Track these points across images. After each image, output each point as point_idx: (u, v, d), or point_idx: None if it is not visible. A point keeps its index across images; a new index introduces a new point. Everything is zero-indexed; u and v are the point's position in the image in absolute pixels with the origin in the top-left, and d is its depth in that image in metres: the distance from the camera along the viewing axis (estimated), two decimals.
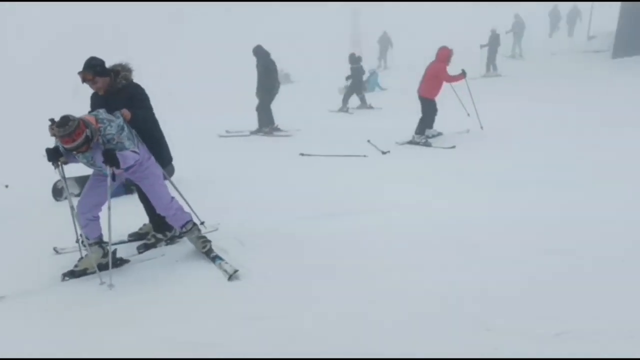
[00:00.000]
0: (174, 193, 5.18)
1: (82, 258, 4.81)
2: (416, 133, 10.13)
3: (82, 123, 4.09)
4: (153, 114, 5.26)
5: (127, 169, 4.58)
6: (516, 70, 18.43)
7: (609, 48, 18.53)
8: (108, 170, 4.34)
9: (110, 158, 4.22)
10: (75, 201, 4.83)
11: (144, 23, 38.52)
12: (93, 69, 4.79)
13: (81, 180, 6.83)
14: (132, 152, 4.39)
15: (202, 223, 5.47)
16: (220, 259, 4.73)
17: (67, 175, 4.81)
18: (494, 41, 19.24)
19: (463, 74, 10.03)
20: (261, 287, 4.29)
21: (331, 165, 8.60)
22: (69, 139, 4.03)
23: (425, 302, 3.82)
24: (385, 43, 24.96)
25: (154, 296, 4.29)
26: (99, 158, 4.32)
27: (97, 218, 4.70)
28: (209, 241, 4.97)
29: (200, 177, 8.02)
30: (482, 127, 10.16)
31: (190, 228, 4.94)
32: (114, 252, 4.84)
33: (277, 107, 12.21)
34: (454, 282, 4.11)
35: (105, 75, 4.87)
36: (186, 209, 5.19)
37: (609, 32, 19.70)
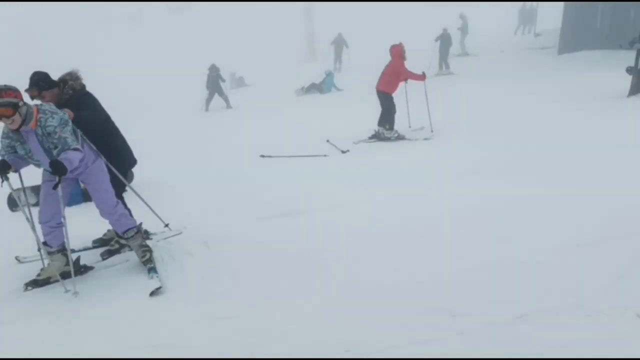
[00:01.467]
0: (134, 198, 5.15)
1: (44, 267, 4.72)
2: (380, 126, 10.29)
3: (20, 93, 4.09)
4: (107, 120, 5.19)
5: (72, 171, 4.42)
6: (467, 68, 18.87)
7: (554, 45, 19.23)
8: (56, 179, 4.21)
9: (57, 168, 4.09)
10: (34, 210, 4.74)
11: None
12: (36, 85, 4.74)
13: (37, 189, 6.66)
14: (75, 149, 4.22)
15: (166, 225, 5.45)
16: (155, 272, 4.64)
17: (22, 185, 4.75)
18: (445, 40, 19.68)
19: (423, 75, 10.29)
20: (229, 287, 4.32)
21: (292, 166, 8.65)
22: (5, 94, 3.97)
23: (390, 293, 3.94)
24: (339, 44, 25.13)
25: (120, 303, 4.24)
26: (37, 149, 4.25)
27: (60, 225, 4.60)
28: (150, 251, 4.90)
29: (159, 179, 7.97)
30: (432, 131, 10.32)
31: (132, 235, 4.83)
32: (78, 260, 4.77)
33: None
34: (414, 272, 4.24)
35: (51, 87, 4.81)
36: (140, 214, 5.13)
37: (554, 29, 20.45)
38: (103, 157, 4.79)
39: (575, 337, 3.15)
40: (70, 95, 4.86)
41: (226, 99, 18.57)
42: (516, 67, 17.23)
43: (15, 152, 4.36)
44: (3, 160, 4.32)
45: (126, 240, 4.90)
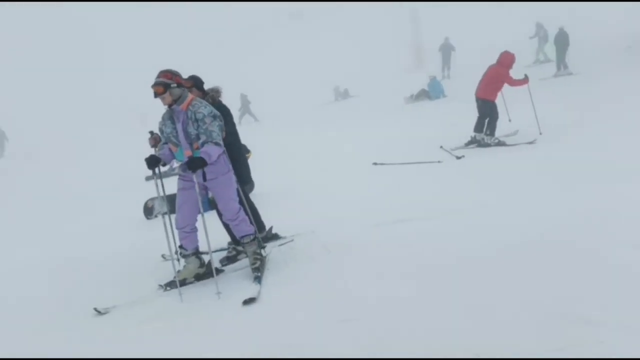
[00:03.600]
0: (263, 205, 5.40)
1: (180, 269, 5.08)
2: (476, 132, 10.12)
3: (177, 77, 4.69)
4: (235, 134, 5.59)
5: (205, 178, 4.83)
6: (588, 68, 17.74)
7: None
8: (195, 177, 4.68)
9: (194, 163, 4.55)
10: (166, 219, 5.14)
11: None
12: (193, 79, 5.38)
13: (170, 199, 7.18)
14: (216, 144, 4.64)
15: (269, 229, 5.83)
16: (259, 282, 4.77)
17: (155, 195, 5.15)
18: (561, 39, 18.72)
19: (526, 79, 9.97)
20: (352, 290, 4.40)
21: (406, 173, 8.63)
22: (160, 73, 4.65)
23: (520, 301, 3.81)
24: (447, 50, 24.62)
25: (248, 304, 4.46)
26: (180, 130, 4.71)
27: (194, 230, 4.96)
28: (261, 260, 5.09)
29: (279, 188, 8.30)
30: (541, 133, 9.89)
31: (248, 241, 5.07)
32: (209, 262, 5.09)
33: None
34: (543, 280, 4.07)
35: (199, 89, 5.35)
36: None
37: None
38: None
39: None
40: (209, 102, 5.25)
41: (254, 116, 24.27)
42: None
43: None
44: (153, 155, 4.85)
45: (242, 245, 5.15)
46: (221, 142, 4.71)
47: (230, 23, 43.35)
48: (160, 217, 5.44)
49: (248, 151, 8.09)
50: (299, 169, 10.13)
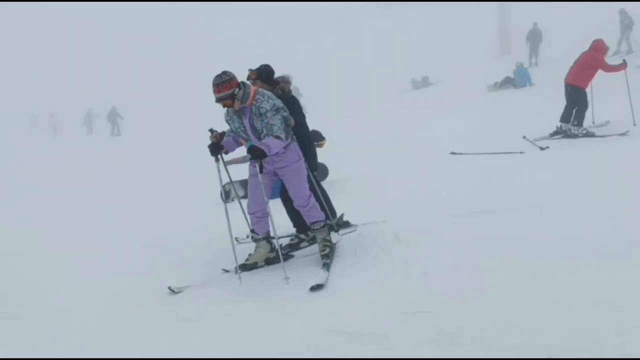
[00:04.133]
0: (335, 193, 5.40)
1: (251, 253, 5.18)
2: (563, 122, 9.65)
3: (234, 81, 4.59)
4: (304, 125, 5.52)
5: (273, 163, 4.84)
6: None
7: None
8: (257, 165, 4.71)
9: (255, 153, 4.56)
10: (243, 202, 5.24)
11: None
12: (258, 72, 5.29)
13: (245, 183, 7.35)
14: (277, 137, 4.60)
15: (341, 216, 5.76)
16: (327, 269, 4.75)
17: (233, 179, 5.23)
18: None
19: (624, 64, 9.40)
20: (420, 282, 4.31)
21: (485, 164, 8.35)
22: (217, 88, 4.55)
23: (603, 303, 3.58)
24: (535, 36, 23.46)
25: (316, 290, 4.47)
26: (247, 125, 4.73)
27: (265, 215, 5.03)
28: (331, 247, 5.07)
29: (353, 178, 8.28)
30: (635, 124, 9.24)
31: (319, 228, 5.07)
32: (280, 247, 5.15)
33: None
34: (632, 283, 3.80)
35: (266, 82, 5.26)
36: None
37: None
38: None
39: None
40: (278, 95, 5.22)
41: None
42: None
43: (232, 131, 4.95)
44: (216, 143, 4.88)
45: (313, 231, 5.16)
46: (282, 135, 4.64)
47: (320, 6, 43.24)
48: (236, 201, 5.55)
49: (323, 138, 8.09)
50: (374, 157, 10.06)
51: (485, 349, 3.22)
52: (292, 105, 5.29)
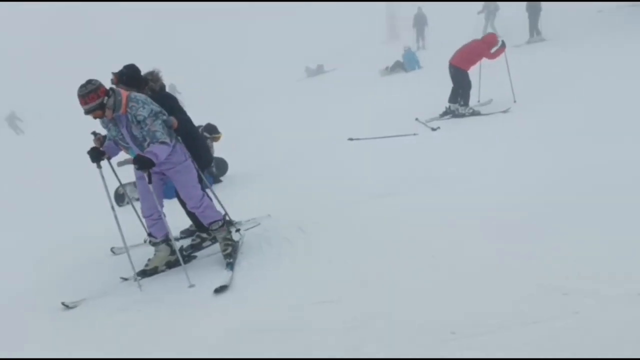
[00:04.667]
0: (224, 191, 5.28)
1: (151, 257, 4.94)
2: (451, 102, 10.05)
3: (101, 89, 4.25)
4: (187, 122, 5.24)
5: (160, 165, 4.55)
6: (561, 33, 17.68)
7: None
8: (145, 175, 4.42)
9: (141, 163, 4.27)
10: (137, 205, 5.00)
11: None
12: (120, 75, 4.88)
13: None
14: (162, 142, 4.35)
15: (235, 224, 5.55)
16: (231, 268, 4.62)
17: (125, 181, 4.95)
18: (534, 6, 18.61)
19: (503, 46, 9.91)
20: (328, 272, 4.32)
21: (382, 147, 8.52)
22: (83, 100, 4.22)
23: (497, 272, 3.77)
24: (421, 21, 24.37)
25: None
26: (126, 134, 4.44)
27: (161, 217, 4.80)
28: (233, 245, 4.94)
29: (248, 169, 8.18)
30: (515, 101, 9.84)
31: (217, 227, 4.90)
32: (181, 249, 4.96)
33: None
34: (521, 249, 4.04)
35: (130, 86, 4.83)
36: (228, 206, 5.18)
37: None
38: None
39: None
40: (149, 95, 4.91)
41: None
42: (616, 29, 15.88)
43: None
44: (96, 148, 4.57)
45: (212, 231, 4.98)
46: (167, 140, 4.40)
47: None
48: (131, 204, 5.27)
49: (218, 132, 7.89)
50: (273, 148, 9.96)
51: (394, 331, 3.29)
52: (170, 102, 5.05)
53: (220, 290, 4.25)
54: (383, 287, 3.88)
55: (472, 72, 9.93)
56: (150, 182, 4.46)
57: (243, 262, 4.81)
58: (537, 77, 11.19)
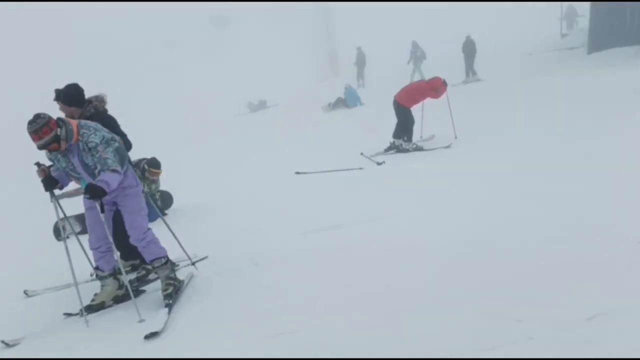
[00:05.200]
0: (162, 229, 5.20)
1: (97, 292, 4.76)
2: (395, 137, 10.34)
3: (52, 122, 4.12)
4: (127, 143, 5.13)
5: (110, 192, 4.37)
6: (495, 74, 18.65)
7: (582, 44, 18.93)
8: (97, 204, 4.31)
9: (92, 192, 4.13)
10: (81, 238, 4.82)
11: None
12: (60, 97, 4.91)
13: (81, 218, 6.80)
14: (113, 171, 4.22)
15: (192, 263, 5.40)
16: (169, 312, 4.36)
17: (67, 214, 4.79)
18: (469, 47, 19.59)
19: (445, 85, 10.30)
20: (281, 304, 4.28)
21: (329, 181, 8.62)
22: (36, 135, 4.08)
23: (446, 302, 3.85)
24: (361, 60, 25.16)
25: (171, 325, 4.25)
26: (77, 163, 4.31)
27: (109, 249, 4.64)
28: (174, 285, 4.68)
29: (199, 204, 8.07)
30: (456, 137, 10.24)
31: (159, 265, 4.66)
32: (131, 282, 4.79)
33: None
34: (466, 280, 4.16)
35: (72, 105, 4.91)
36: (167, 244, 4.94)
37: (580, 28, 20.17)
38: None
39: None
40: (91, 114, 4.94)
41: None
42: (545, 69, 16.96)
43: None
44: (50, 177, 4.42)
45: (154, 269, 4.77)
46: (118, 167, 4.26)
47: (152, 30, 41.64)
48: (73, 237, 5.06)
49: (159, 167, 7.74)
50: (219, 181, 9.89)
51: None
52: (111, 123, 5.00)
53: (150, 336, 3.98)
54: (337, 318, 3.87)
55: (415, 109, 10.28)
56: (102, 211, 4.32)
57: (194, 295, 4.70)
58: (474, 115, 11.68)
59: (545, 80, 14.56)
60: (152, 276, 5.23)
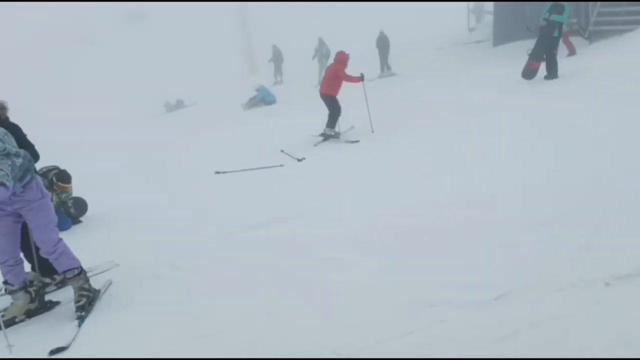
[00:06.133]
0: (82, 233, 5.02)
1: (7, 307, 4.52)
2: (328, 126, 10.63)
3: None
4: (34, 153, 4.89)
5: (12, 204, 4.20)
6: (408, 68, 19.25)
7: (488, 38, 19.94)
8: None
9: None
10: None
11: None
12: None
13: None
14: (1, 185, 3.90)
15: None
16: (80, 324, 4.24)
17: None
18: (383, 42, 20.10)
19: (361, 77, 10.55)
20: (205, 305, 4.27)
21: (250, 179, 8.59)
22: None
23: (368, 292, 3.98)
24: (277, 57, 25.19)
25: (90, 332, 4.13)
26: None
27: (19, 262, 4.42)
28: (88, 297, 4.54)
29: (116, 209, 7.84)
30: (373, 131, 10.49)
31: (72, 276, 4.50)
32: (42, 295, 4.59)
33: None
34: (388, 269, 4.34)
35: None
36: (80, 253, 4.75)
37: (485, 23, 21.24)
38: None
39: (552, 312, 3.26)
40: None
41: None
42: (454, 61, 17.75)
43: None
44: None
45: (67, 280, 4.58)
46: (7, 181, 3.93)
47: (66, 25, 39.61)
48: None
49: (69, 181, 7.34)
50: (135, 184, 9.59)
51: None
52: (17, 132, 4.70)
53: (56, 352, 3.84)
54: (264, 317, 3.90)
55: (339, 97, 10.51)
56: None
57: (114, 302, 4.59)
58: (390, 108, 12.00)
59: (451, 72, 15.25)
60: (49, 288, 5.03)
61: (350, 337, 3.43)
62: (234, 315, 4.01)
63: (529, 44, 12.51)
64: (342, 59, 10.64)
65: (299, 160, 9.37)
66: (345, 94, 10.65)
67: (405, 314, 3.57)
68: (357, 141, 10.07)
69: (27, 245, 4.62)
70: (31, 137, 5.05)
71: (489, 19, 21.17)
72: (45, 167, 7.02)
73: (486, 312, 3.41)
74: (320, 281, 4.30)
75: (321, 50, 22.01)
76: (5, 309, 4.50)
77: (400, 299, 3.76)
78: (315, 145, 10.34)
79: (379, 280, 4.13)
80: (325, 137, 10.57)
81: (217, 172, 9.33)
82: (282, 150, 10.12)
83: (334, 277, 4.33)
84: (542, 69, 11.72)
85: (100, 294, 4.75)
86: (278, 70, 25.27)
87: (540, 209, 4.90)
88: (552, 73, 11.52)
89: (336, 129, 10.59)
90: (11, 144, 4.11)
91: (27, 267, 4.86)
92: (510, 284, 3.66)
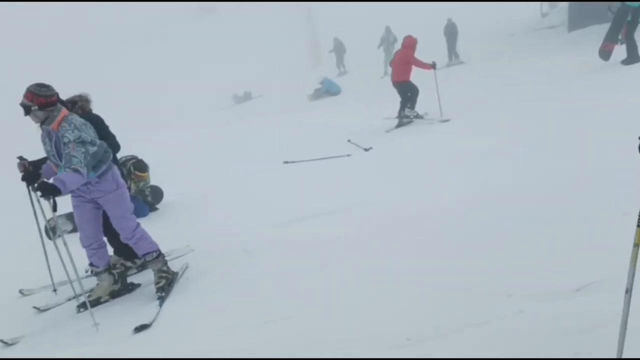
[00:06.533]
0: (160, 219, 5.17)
1: (93, 288, 4.78)
2: (408, 108, 10.68)
3: (31, 94, 4.13)
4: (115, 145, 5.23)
5: (90, 193, 4.44)
6: (477, 55, 18.73)
7: (562, 23, 19.06)
8: (50, 201, 4.13)
9: (44, 190, 4.02)
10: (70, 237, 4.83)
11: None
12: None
13: (71, 216, 6.77)
14: (75, 171, 4.10)
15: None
16: (161, 303, 4.46)
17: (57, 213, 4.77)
18: (451, 30, 19.67)
19: (433, 65, 10.42)
20: (277, 291, 4.34)
21: (318, 169, 8.66)
22: (25, 94, 4.15)
23: (437, 282, 3.93)
24: (339, 49, 25.20)
25: (169, 313, 4.30)
26: (55, 150, 4.26)
27: (102, 246, 4.67)
28: (167, 278, 4.76)
29: (189, 197, 8.08)
30: (443, 120, 10.33)
31: (151, 259, 4.72)
32: (125, 278, 4.82)
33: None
34: (462, 260, 4.25)
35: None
36: (158, 237, 4.96)
37: (559, 7, 20.33)
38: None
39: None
40: (79, 115, 4.82)
41: None
42: (527, 48, 17.08)
43: None
44: (30, 171, 4.47)
45: (147, 263, 4.83)
46: (81, 169, 4.13)
47: (136, 19, 41.21)
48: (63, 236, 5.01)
49: (146, 170, 7.64)
50: (208, 173, 9.85)
51: (352, 343, 3.35)
52: (98, 124, 4.95)
53: (140, 329, 4.05)
54: (333, 303, 3.93)
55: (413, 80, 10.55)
56: (55, 210, 4.20)
57: (194, 287, 4.75)
58: (460, 97, 11.74)
59: (525, 60, 14.68)
60: (131, 272, 5.30)
61: (423, 325, 3.40)
62: (304, 301, 4.06)
63: (607, 28, 11.85)
64: (410, 43, 10.57)
65: (366, 150, 9.35)
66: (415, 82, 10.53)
67: (482, 304, 3.50)
68: (449, 119, 10.07)
69: (109, 229, 4.84)
70: (113, 128, 5.32)
71: (562, 5, 20.15)
72: (124, 157, 7.32)
73: (566, 303, 3.30)
74: (390, 269, 4.29)
75: (388, 39, 21.64)
76: (91, 290, 4.77)
77: (475, 289, 3.69)
78: (387, 131, 10.33)
79: (453, 271, 4.06)
80: (401, 121, 10.56)
81: (286, 162, 9.45)
82: (349, 140, 10.12)
83: (402, 267, 4.30)
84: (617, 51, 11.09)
85: (178, 276, 4.94)
86: (340, 61, 25.29)
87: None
88: (631, 57, 10.87)
89: (411, 115, 10.58)
90: (88, 134, 4.29)
91: (110, 251, 5.14)
92: (593, 275, 3.52)
